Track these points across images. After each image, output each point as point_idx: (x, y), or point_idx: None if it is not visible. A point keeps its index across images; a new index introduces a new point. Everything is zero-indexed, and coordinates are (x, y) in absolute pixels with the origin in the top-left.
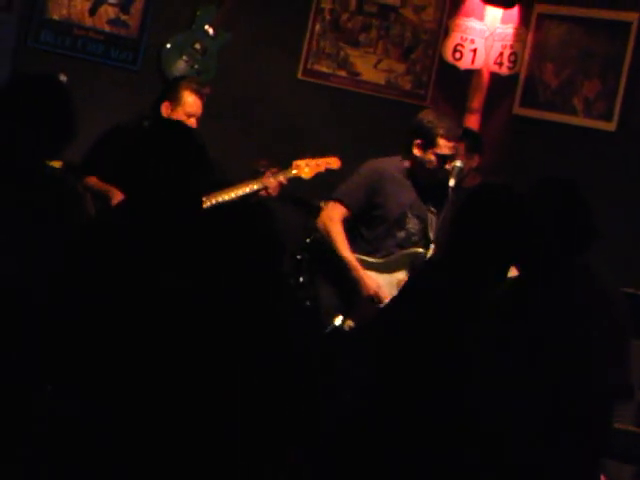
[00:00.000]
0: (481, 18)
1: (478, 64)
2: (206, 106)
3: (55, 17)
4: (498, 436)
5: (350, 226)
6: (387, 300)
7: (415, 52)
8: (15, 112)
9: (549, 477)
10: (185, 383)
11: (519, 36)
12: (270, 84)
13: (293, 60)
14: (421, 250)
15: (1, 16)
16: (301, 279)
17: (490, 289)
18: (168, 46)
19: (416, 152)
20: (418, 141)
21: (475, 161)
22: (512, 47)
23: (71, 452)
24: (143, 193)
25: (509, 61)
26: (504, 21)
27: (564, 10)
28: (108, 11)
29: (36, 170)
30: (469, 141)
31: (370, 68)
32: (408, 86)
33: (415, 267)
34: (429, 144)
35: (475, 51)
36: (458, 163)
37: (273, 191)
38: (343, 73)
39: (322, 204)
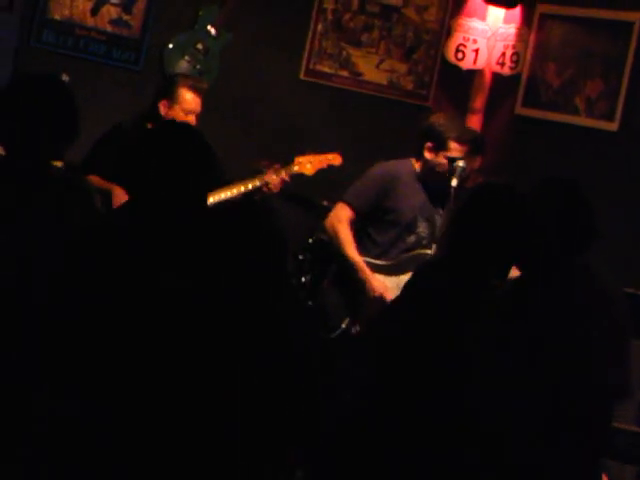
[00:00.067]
0: (483, 18)
1: (480, 64)
2: (208, 106)
3: (57, 17)
4: (498, 436)
5: (359, 229)
6: None
7: (417, 52)
8: (18, 112)
9: (549, 477)
10: (185, 383)
11: (521, 36)
12: (272, 84)
13: (295, 60)
14: (429, 252)
15: (3, 16)
16: (303, 279)
17: (490, 289)
18: (170, 46)
19: (427, 155)
20: (429, 144)
21: (477, 162)
22: (514, 47)
23: (71, 452)
24: (144, 193)
25: (511, 61)
26: (506, 21)
27: (566, 10)
28: (110, 11)
29: (38, 170)
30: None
31: (372, 68)
32: (410, 86)
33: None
34: (440, 147)
35: (477, 51)
36: (461, 163)
37: (275, 188)
38: (345, 73)
39: (324, 203)
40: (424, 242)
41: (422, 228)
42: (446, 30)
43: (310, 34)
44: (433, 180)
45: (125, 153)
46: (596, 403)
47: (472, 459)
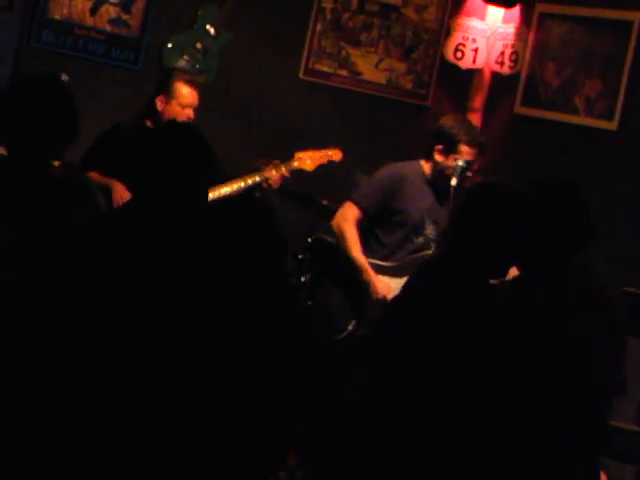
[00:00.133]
0: (482, 17)
1: (479, 63)
2: (207, 105)
3: (56, 17)
4: (498, 436)
5: (367, 230)
6: None
7: (416, 51)
8: (18, 112)
9: (549, 477)
10: (185, 383)
11: (520, 35)
12: (271, 84)
13: (294, 59)
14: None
15: (3, 16)
16: (303, 279)
17: (490, 289)
18: (169, 46)
19: (437, 158)
20: (440, 147)
21: (477, 162)
22: (513, 46)
23: (71, 452)
24: (144, 193)
25: (510, 60)
26: (505, 20)
27: (565, 9)
28: (109, 11)
29: (38, 170)
30: None
31: (371, 67)
32: (409, 85)
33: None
34: (451, 150)
35: (476, 50)
36: (460, 162)
37: (275, 183)
38: (344, 72)
39: (324, 202)
40: (431, 244)
41: (430, 230)
42: (445, 29)
43: (309, 33)
44: (442, 182)
45: (124, 151)
46: (596, 402)
47: (472, 459)
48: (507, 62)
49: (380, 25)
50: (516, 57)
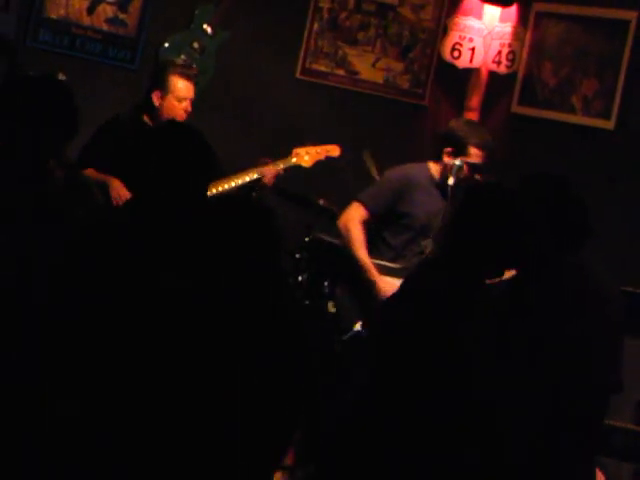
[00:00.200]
0: (479, 17)
1: (476, 63)
2: (204, 105)
3: (53, 16)
4: (498, 436)
5: (374, 232)
6: None
7: (413, 51)
8: (17, 112)
9: (549, 477)
10: (185, 383)
11: (517, 35)
12: (268, 83)
13: (291, 59)
14: None
15: None
16: (300, 278)
17: (487, 288)
18: (166, 45)
19: (446, 160)
20: (449, 149)
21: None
22: (510, 46)
23: (71, 452)
24: (144, 193)
25: (507, 60)
26: (502, 20)
27: (562, 8)
28: (106, 10)
29: (38, 169)
30: None
31: (368, 67)
32: (406, 85)
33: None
34: (460, 152)
35: (473, 50)
36: (457, 162)
37: (269, 181)
38: (341, 72)
39: (321, 202)
40: None
41: None
42: (442, 29)
43: (306, 33)
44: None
45: (122, 145)
46: (594, 401)
47: (472, 459)
48: (504, 61)
49: (377, 24)
50: (513, 56)
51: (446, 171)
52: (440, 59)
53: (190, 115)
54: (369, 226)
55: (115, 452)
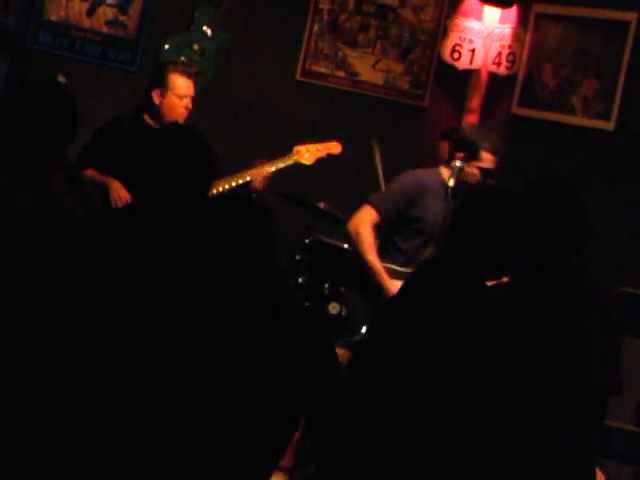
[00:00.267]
0: (479, 18)
1: (476, 64)
2: (204, 106)
3: (53, 18)
4: (498, 436)
5: (385, 237)
6: None
7: (413, 52)
8: (17, 112)
9: (549, 477)
10: (185, 383)
11: (517, 36)
12: (268, 85)
13: (291, 61)
14: None
15: None
16: (300, 280)
17: (488, 289)
18: (166, 47)
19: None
20: (461, 154)
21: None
22: (510, 47)
23: (71, 452)
24: (144, 193)
25: (507, 61)
26: (502, 21)
27: (562, 10)
28: (106, 12)
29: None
30: None
31: (368, 68)
32: (406, 86)
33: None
34: (472, 157)
35: (473, 51)
36: (458, 163)
37: (259, 184)
38: (341, 73)
39: (321, 206)
40: None
41: None
42: (442, 30)
43: (306, 35)
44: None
45: (123, 144)
46: (594, 402)
47: (472, 459)
48: (504, 62)
49: (377, 26)
50: (513, 57)
51: (459, 176)
52: (440, 60)
53: (190, 117)
54: (379, 230)
55: (115, 452)
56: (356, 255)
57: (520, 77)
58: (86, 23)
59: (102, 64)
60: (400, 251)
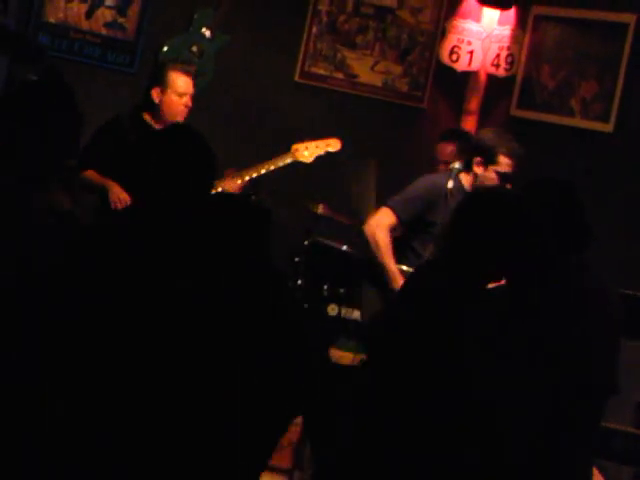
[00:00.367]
0: (478, 20)
1: (475, 66)
2: (203, 108)
3: (52, 20)
4: (498, 436)
5: (403, 241)
6: None
7: (412, 54)
8: (17, 112)
9: (549, 477)
10: (185, 383)
11: (516, 38)
12: (267, 86)
13: (290, 62)
14: None
15: None
16: (299, 281)
17: (488, 289)
18: (165, 49)
19: (477, 170)
20: (478, 159)
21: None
22: (509, 49)
23: (71, 452)
24: (144, 193)
25: (506, 63)
26: (501, 23)
27: (561, 11)
28: (105, 14)
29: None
30: (462, 143)
31: (367, 70)
32: (405, 88)
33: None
34: (489, 161)
35: (472, 53)
36: (457, 165)
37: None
38: (340, 75)
39: (314, 207)
40: None
41: None
42: (441, 32)
43: (305, 36)
44: None
45: (123, 144)
46: (594, 402)
47: (472, 459)
48: (503, 64)
49: (376, 28)
50: (512, 59)
51: (478, 181)
52: (439, 62)
53: (189, 118)
54: (396, 233)
55: (115, 452)
56: (372, 258)
57: (519, 79)
58: (85, 25)
59: (101, 66)
60: (418, 256)
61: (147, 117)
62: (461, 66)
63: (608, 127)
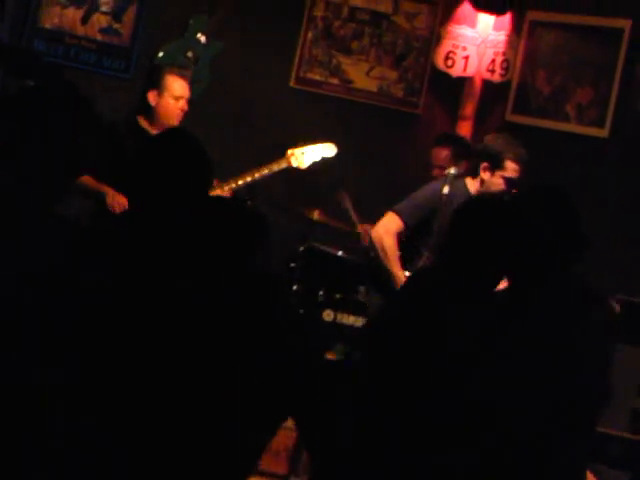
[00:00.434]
0: (473, 25)
1: (470, 71)
2: (198, 113)
3: (47, 26)
4: (498, 436)
5: (412, 247)
6: None
7: (407, 59)
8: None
9: (549, 477)
10: (185, 383)
11: (511, 43)
12: (262, 92)
13: (285, 68)
14: None
15: None
16: (295, 287)
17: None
18: (160, 54)
19: (484, 175)
20: (485, 164)
21: (463, 167)
22: (504, 54)
23: (71, 452)
24: (143, 193)
25: (501, 68)
26: (496, 28)
27: (556, 17)
28: (100, 20)
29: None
30: (456, 148)
31: (362, 76)
32: (400, 94)
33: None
34: (496, 166)
35: (467, 58)
36: (452, 170)
37: None
38: (335, 81)
39: (310, 213)
40: None
41: None
42: (436, 37)
43: (300, 42)
44: None
45: (119, 149)
46: (592, 403)
47: (472, 459)
48: (498, 70)
49: (371, 33)
50: (507, 65)
51: (485, 186)
52: (434, 68)
53: (184, 123)
54: (402, 238)
55: (115, 452)
56: (378, 263)
57: (514, 84)
58: (80, 31)
59: (96, 72)
60: (424, 260)
61: (143, 121)
62: (456, 71)
63: (603, 132)
